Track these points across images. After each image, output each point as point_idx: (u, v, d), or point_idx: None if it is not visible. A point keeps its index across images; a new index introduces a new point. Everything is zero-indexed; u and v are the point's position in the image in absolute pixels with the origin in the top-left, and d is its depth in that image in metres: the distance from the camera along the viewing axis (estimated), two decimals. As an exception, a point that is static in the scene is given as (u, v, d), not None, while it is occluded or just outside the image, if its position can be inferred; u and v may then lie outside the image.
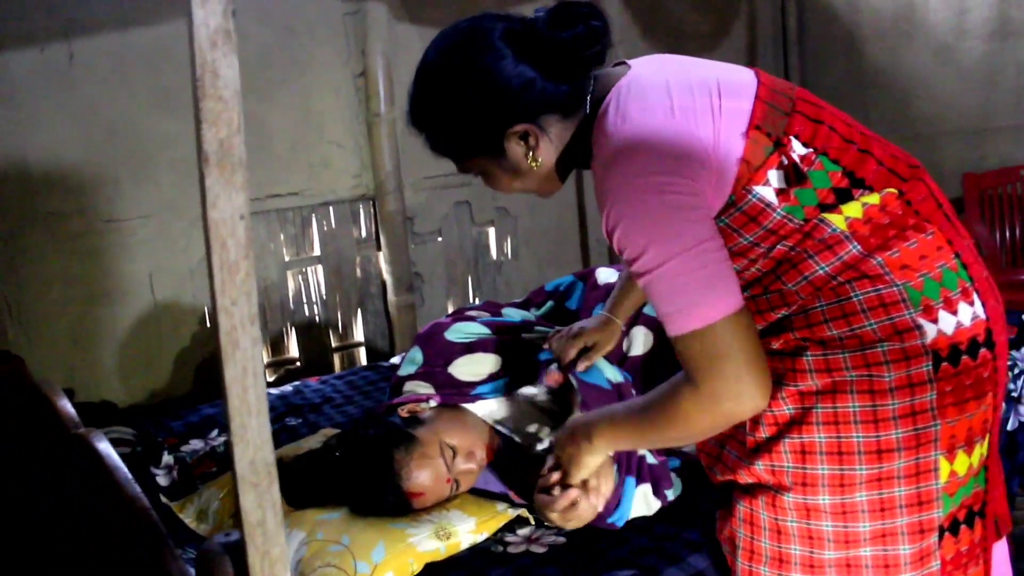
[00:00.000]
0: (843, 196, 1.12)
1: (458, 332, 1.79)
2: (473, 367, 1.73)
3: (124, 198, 2.41)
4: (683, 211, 1.07)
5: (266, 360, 2.73)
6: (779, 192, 1.11)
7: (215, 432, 2.04)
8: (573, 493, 1.33)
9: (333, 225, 2.93)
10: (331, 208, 2.91)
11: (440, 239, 3.23)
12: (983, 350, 1.13)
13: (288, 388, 2.41)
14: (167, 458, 1.88)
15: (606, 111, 1.14)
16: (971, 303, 1.12)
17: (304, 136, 2.80)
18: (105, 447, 1.18)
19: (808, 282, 1.13)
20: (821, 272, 1.12)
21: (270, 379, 2.74)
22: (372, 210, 3.02)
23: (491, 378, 1.72)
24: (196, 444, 1.98)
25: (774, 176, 1.11)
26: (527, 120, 1.16)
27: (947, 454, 1.12)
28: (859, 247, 1.11)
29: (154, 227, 2.46)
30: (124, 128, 2.39)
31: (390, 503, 1.48)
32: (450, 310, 3.29)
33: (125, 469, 1.13)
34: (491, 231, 3.41)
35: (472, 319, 1.85)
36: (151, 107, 2.43)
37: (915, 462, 1.11)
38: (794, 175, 1.11)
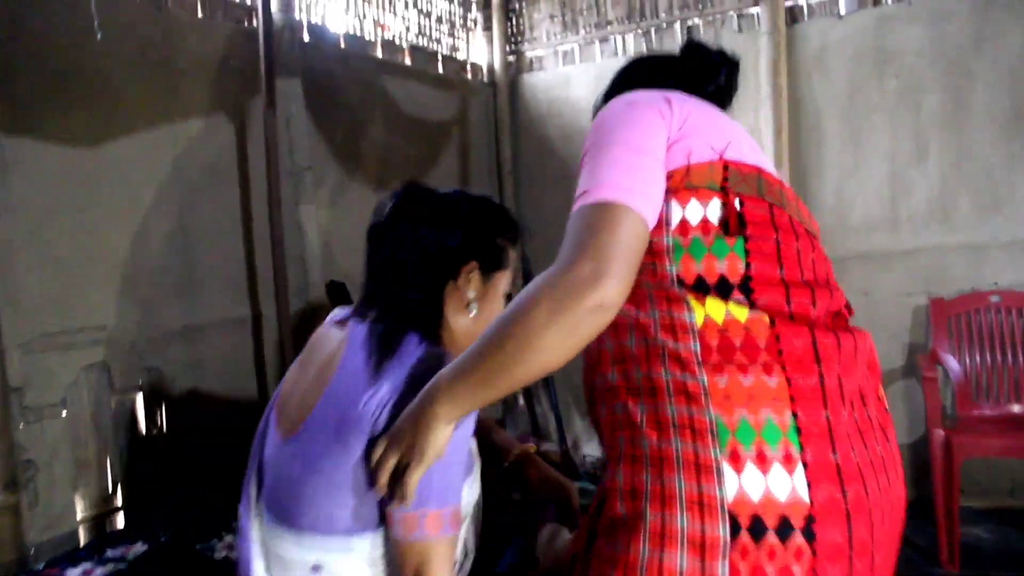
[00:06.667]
0: (721, 289, 1.08)
1: None
2: None
3: None
4: (642, 127, 1.12)
5: None
6: (684, 221, 1.11)
7: None
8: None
9: None
10: None
11: (65, 413, 2.47)
12: (800, 539, 1.00)
13: None
14: None
15: None
16: (791, 474, 1.02)
17: None
18: None
19: (641, 341, 1.10)
20: (657, 345, 1.08)
21: None
22: (-41, 381, 2.23)
23: None
24: None
25: (694, 207, 1.11)
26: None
27: None
28: (698, 350, 1.06)
29: None
30: None
31: None
32: (79, 505, 2.53)
33: None
34: (139, 398, 2.70)
35: None
36: None
37: None
38: (708, 222, 1.11)
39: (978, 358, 3.53)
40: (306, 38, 3.35)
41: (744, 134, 1.24)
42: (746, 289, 1.09)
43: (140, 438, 2.71)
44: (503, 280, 1.42)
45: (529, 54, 4.55)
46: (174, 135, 2.81)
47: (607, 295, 0.99)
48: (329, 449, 1.21)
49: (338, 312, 1.45)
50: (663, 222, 1.11)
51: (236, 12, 3.05)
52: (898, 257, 3.75)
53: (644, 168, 1.08)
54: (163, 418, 2.77)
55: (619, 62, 4.15)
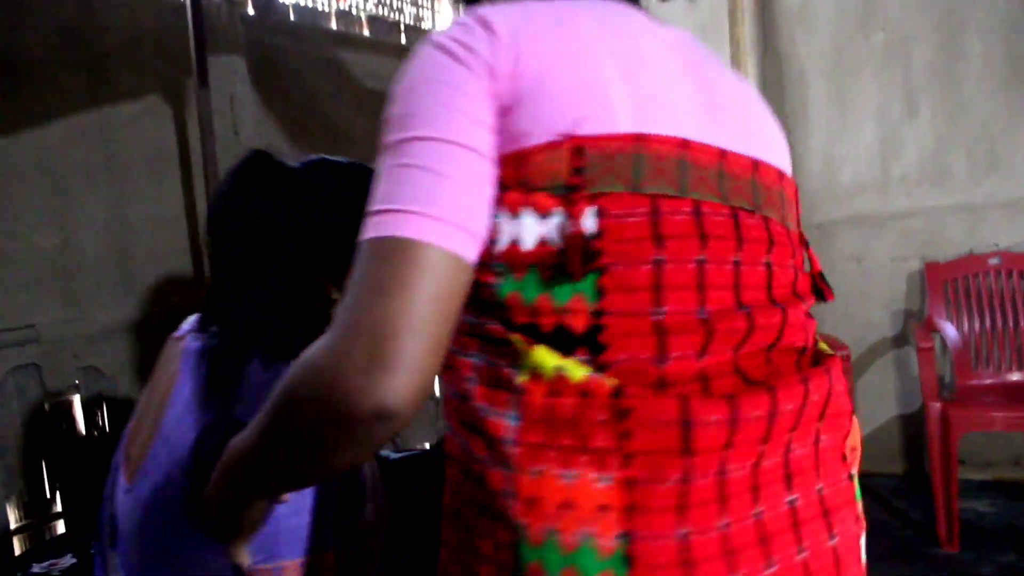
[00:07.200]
0: (560, 343, 0.71)
1: None
2: None
3: None
4: (460, 99, 0.71)
5: None
6: (514, 244, 0.72)
7: None
8: None
9: None
10: None
11: (-9, 420, 2.34)
12: None
13: None
14: None
15: None
16: None
17: None
18: None
19: (458, 396, 0.75)
20: (469, 407, 0.73)
21: None
22: None
23: None
24: None
25: (530, 223, 0.71)
26: None
27: None
28: (516, 423, 0.69)
29: None
30: None
31: None
32: (12, 515, 2.40)
33: None
34: (76, 400, 2.56)
35: None
36: None
37: None
38: (546, 247, 0.71)
39: (977, 324, 3.34)
40: (251, 11, 3.18)
41: (667, 68, 0.79)
42: (594, 344, 0.71)
43: (80, 440, 2.58)
44: None
45: (501, 20, 4.35)
46: (103, 120, 2.64)
47: (391, 399, 0.62)
48: (167, 499, 1.04)
49: (187, 321, 1.25)
50: (491, 239, 0.73)
51: (169, -14, 2.87)
52: (890, 220, 3.56)
53: (463, 173, 0.69)
54: (104, 419, 2.64)
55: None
